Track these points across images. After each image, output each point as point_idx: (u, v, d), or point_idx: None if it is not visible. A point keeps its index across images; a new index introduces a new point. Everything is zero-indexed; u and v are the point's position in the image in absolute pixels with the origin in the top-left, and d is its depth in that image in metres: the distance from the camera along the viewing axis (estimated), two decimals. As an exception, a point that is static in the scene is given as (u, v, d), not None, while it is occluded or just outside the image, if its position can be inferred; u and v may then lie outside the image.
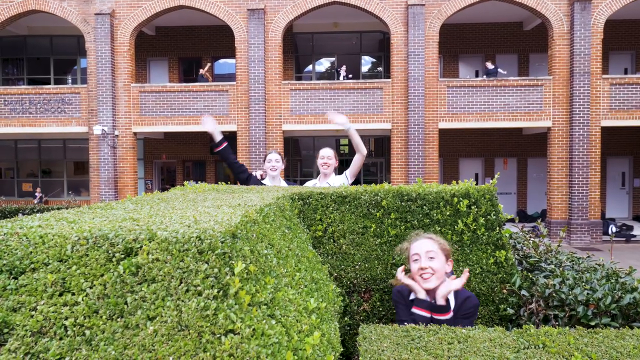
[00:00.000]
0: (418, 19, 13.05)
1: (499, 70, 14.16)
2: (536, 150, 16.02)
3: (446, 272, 1.96)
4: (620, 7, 12.85)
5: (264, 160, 4.07)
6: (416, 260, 1.93)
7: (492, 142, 16.32)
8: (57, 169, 17.17)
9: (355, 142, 3.81)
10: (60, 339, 1.09)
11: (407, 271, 2.02)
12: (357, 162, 3.82)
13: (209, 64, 15.76)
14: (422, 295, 1.89)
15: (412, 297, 1.95)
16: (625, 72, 16.03)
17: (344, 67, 15.26)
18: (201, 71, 15.21)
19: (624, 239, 13.34)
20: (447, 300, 1.88)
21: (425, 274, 1.90)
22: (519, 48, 16.23)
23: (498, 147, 16.40)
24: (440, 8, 13.18)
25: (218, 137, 3.85)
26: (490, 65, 14.25)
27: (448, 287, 1.88)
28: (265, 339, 1.08)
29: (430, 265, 1.90)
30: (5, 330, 1.11)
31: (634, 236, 13.46)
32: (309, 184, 3.93)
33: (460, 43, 16.26)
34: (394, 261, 2.27)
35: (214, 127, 3.88)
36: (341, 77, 14.94)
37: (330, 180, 3.83)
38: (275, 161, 3.98)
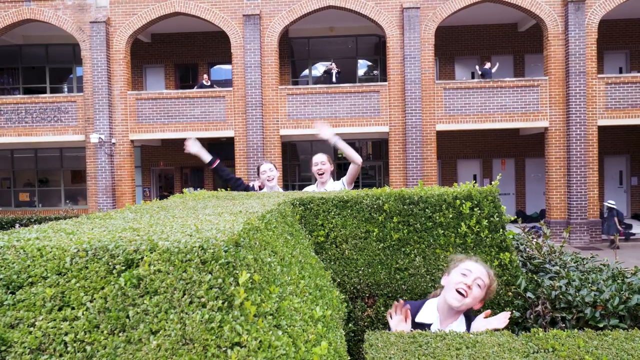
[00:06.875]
0: (413, 21, 13.08)
1: (492, 71, 14.23)
2: (534, 150, 16.05)
3: (473, 307, 1.92)
4: (613, 6, 12.92)
5: (258, 173, 4.08)
6: (465, 275, 1.88)
7: (490, 143, 16.34)
8: (54, 178, 17.09)
9: (347, 154, 3.79)
10: (60, 355, 1.06)
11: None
12: (352, 171, 3.82)
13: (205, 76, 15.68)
14: (437, 326, 1.85)
15: (417, 319, 1.91)
16: (620, 71, 16.10)
17: (334, 65, 15.20)
18: (205, 77, 15.13)
19: (623, 237, 13.34)
20: None
21: (464, 291, 1.86)
22: (514, 49, 16.29)
23: (496, 148, 16.42)
24: (435, 11, 13.22)
25: (207, 158, 3.91)
26: (487, 65, 14.29)
27: (487, 326, 1.81)
28: (273, 351, 1.05)
29: (472, 288, 1.86)
30: (3, 348, 1.07)
31: (634, 234, 13.47)
32: (308, 189, 3.91)
33: (456, 45, 16.31)
34: (397, 265, 2.24)
35: (199, 149, 3.92)
36: (333, 77, 14.90)
37: (327, 187, 3.82)
38: (269, 170, 4.00)
